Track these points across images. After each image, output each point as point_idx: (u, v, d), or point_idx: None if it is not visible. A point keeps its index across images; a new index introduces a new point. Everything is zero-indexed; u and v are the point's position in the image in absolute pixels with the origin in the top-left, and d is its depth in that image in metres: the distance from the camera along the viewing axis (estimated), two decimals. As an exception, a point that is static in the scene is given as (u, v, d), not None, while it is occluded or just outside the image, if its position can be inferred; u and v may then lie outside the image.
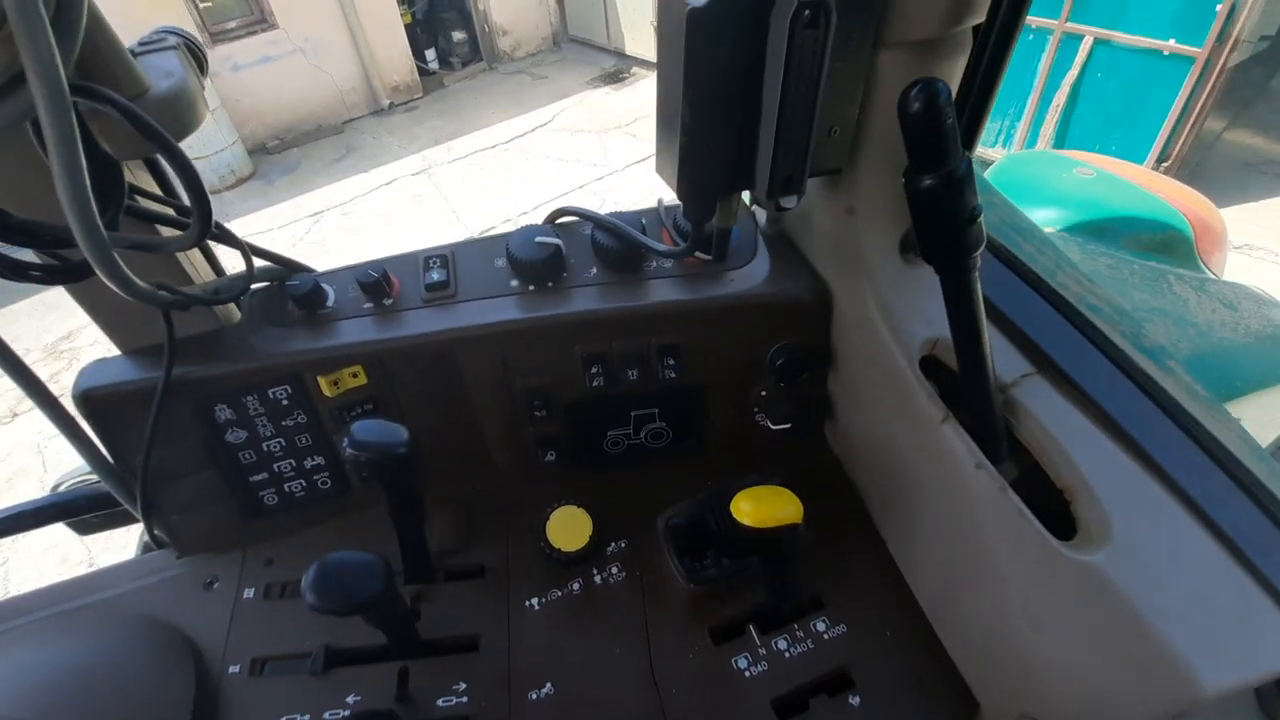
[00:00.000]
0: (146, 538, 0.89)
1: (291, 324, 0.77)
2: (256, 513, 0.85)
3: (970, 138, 0.75)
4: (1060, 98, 4.83)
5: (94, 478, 1.00)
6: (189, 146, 0.51)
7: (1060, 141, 5.01)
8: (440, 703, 0.72)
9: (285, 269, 0.80)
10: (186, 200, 0.67)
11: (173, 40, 0.58)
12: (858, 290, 0.74)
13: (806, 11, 0.48)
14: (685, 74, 0.52)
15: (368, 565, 0.60)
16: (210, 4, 6.33)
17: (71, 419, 0.71)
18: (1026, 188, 2.04)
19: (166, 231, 0.64)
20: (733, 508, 0.65)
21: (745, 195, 0.65)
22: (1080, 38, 4.59)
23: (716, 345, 0.81)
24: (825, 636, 0.76)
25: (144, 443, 0.72)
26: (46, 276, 0.55)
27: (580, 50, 8.73)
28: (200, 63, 0.61)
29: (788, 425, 0.87)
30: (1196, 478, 0.57)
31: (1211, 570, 0.52)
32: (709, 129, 0.55)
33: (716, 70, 0.52)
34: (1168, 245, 1.79)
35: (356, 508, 0.88)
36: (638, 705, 0.72)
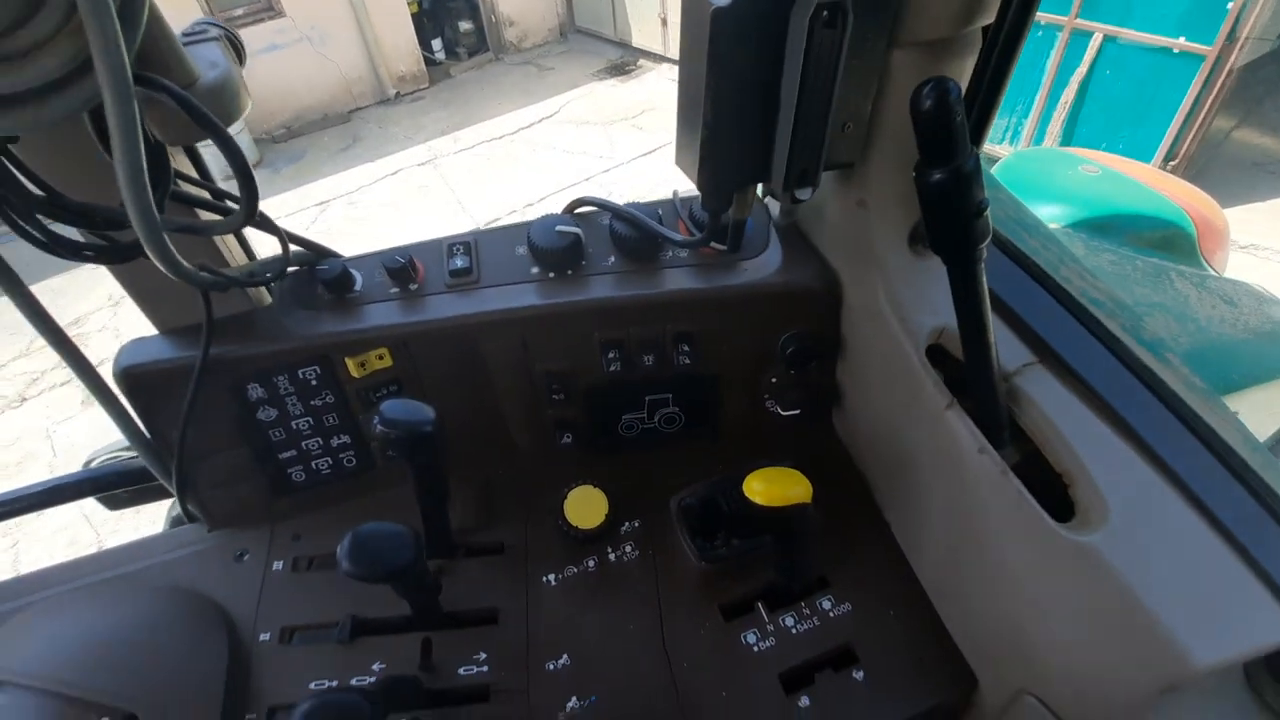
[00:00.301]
0: (175, 512, 0.92)
1: (320, 307, 0.80)
2: (284, 489, 0.88)
3: (978, 134, 0.77)
4: (1068, 95, 4.81)
5: (125, 455, 1.03)
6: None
7: (1067, 139, 4.99)
8: (462, 671, 0.75)
9: (314, 254, 0.82)
10: (219, 185, 0.70)
11: (214, 32, 0.61)
12: (868, 280, 0.76)
13: (825, 12, 0.50)
14: (708, 70, 0.54)
15: (399, 535, 0.63)
16: (217, -10, 6.34)
17: (113, 395, 0.74)
18: (1032, 184, 2.05)
19: (204, 215, 0.67)
20: (745, 487, 0.68)
21: (758, 188, 0.68)
22: (1089, 34, 4.57)
23: (729, 333, 0.84)
24: (831, 614, 0.79)
25: (180, 419, 0.75)
26: (98, 256, 0.58)
27: (587, 42, 8.70)
28: (239, 54, 0.64)
29: (797, 411, 0.90)
30: (1190, 464, 0.59)
31: (1202, 552, 0.54)
32: (729, 123, 0.58)
33: (738, 67, 0.55)
34: (1170, 242, 1.81)
35: (380, 486, 0.92)
36: (650, 676, 0.75)
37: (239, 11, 6.58)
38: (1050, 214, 1.89)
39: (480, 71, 8.33)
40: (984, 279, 0.59)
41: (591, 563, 0.84)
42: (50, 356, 4.55)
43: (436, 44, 8.19)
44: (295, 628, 0.79)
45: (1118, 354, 0.68)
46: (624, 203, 0.86)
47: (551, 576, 0.83)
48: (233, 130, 0.54)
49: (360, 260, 0.84)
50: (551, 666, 0.76)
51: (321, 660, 0.76)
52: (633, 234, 0.81)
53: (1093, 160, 2.09)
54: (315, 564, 0.85)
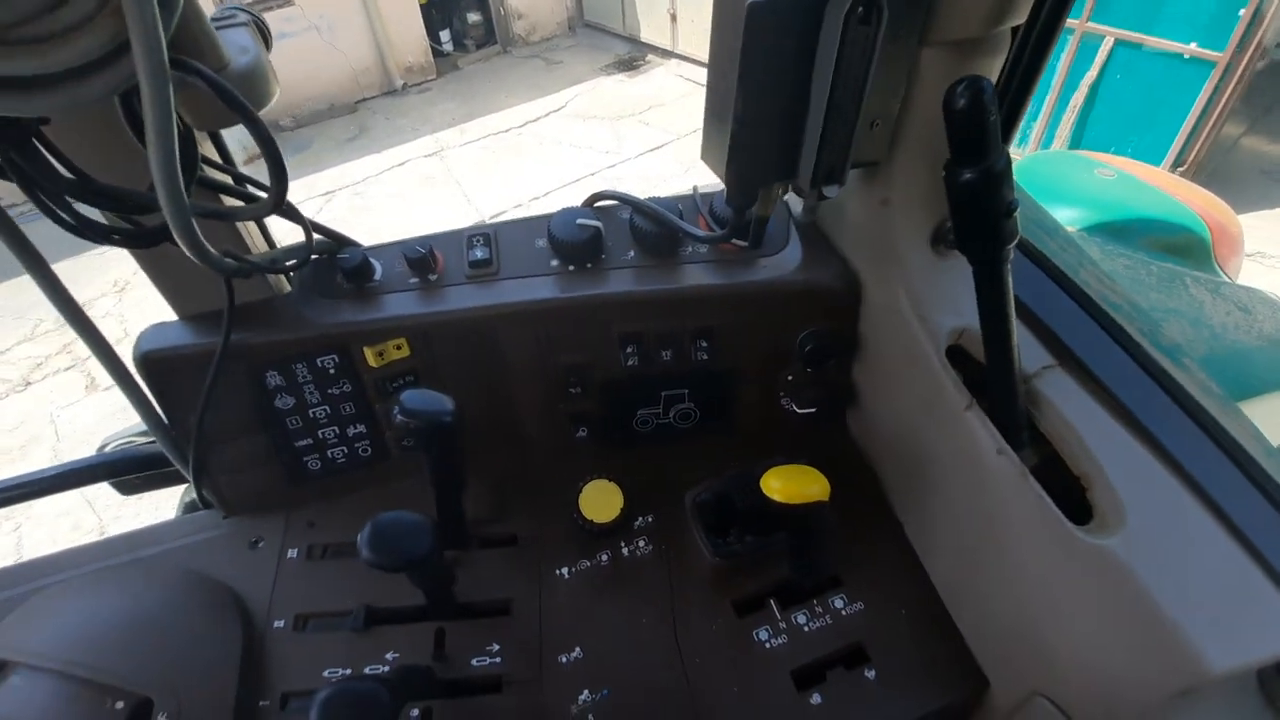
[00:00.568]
0: (188, 498, 0.92)
1: (340, 296, 0.80)
2: (300, 477, 0.88)
3: (1005, 135, 0.77)
4: (1078, 98, 4.79)
5: (139, 440, 1.03)
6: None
7: (1076, 142, 4.98)
8: (474, 662, 0.75)
9: (335, 242, 0.82)
10: (241, 169, 0.70)
11: (243, 17, 0.61)
12: (889, 280, 0.76)
13: (860, 8, 0.50)
14: (740, 66, 0.54)
15: (418, 525, 0.64)
16: (226, -23, 6.31)
17: (132, 379, 0.74)
18: (1047, 186, 2.04)
19: (228, 200, 0.67)
20: (763, 484, 0.68)
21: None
22: (1101, 38, 4.56)
23: (748, 329, 0.84)
24: (843, 613, 0.79)
25: (199, 405, 0.75)
26: (126, 240, 0.58)
27: (595, 36, 8.67)
28: (266, 40, 0.64)
29: (812, 410, 0.90)
30: (1207, 469, 0.59)
31: (1219, 556, 0.54)
32: (759, 119, 0.57)
33: (770, 63, 0.54)
34: (1185, 248, 1.81)
35: (394, 476, 0.92)
36: (662, 670, 0.75)
37: (248, -1, 6.56)
38: (1065, 217, 1.89)
39: (488, 64, 8.30)
40: (1009, 280, 0.59)
41: (605, 557, 0.85)
42: (54, 342, 4.55)
43: (445, 35, 8.15)
44: (309, 615, 0.80)
45: (1137, 358, 0.68)
46: (651, 197, 0.85)
47: (565, 569, 0.84)
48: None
49: (380, 250, 0.84)
50: (564, 659, 0.76)
51: (335, 648, 0.76)
52: (653, 229, 0.81)
53: (1108, 164, 2.08)
54: (329, 552, 0.85)
